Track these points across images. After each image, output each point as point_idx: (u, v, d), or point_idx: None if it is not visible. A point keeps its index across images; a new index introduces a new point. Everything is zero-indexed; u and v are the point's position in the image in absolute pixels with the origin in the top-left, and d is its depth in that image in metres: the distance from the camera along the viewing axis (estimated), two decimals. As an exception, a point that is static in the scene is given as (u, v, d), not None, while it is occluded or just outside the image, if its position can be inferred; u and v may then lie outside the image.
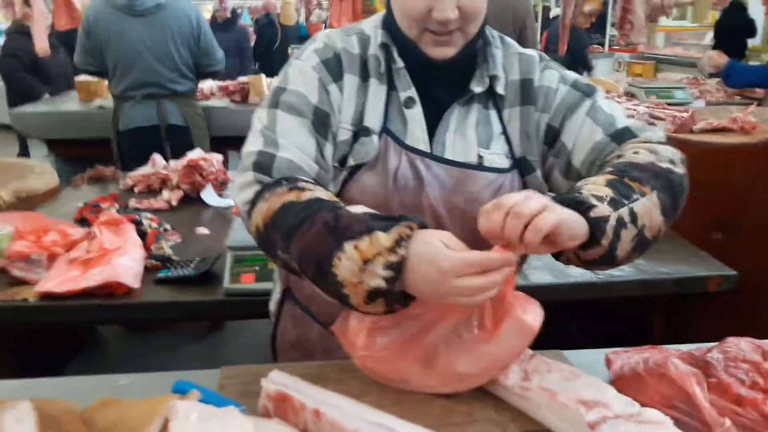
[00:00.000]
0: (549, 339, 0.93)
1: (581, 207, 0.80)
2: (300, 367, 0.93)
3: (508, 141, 1.03)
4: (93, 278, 1.45)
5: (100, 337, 2.42)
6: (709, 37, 8.08)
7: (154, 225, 1.76)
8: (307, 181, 0.89)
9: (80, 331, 2.22)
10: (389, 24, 1.00)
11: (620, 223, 0.82)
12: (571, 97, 1.02)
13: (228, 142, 3.77)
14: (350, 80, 0.99)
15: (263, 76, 3.93)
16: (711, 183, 2.04)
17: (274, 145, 0.92)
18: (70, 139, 3.52)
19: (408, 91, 1.00)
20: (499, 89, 1.02)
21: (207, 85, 4.01)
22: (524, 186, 1.02)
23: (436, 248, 0.75)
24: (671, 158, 0.93)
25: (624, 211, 0.83)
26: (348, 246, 0.76)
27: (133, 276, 1.49)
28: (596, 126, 0.99)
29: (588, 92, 1.02)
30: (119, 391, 0.88)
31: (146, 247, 1.65)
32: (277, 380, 0.81)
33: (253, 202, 0.89)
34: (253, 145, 0.95)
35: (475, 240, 0.80)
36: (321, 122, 0.96)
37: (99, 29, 2.89)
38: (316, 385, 0.82)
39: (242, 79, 4.04)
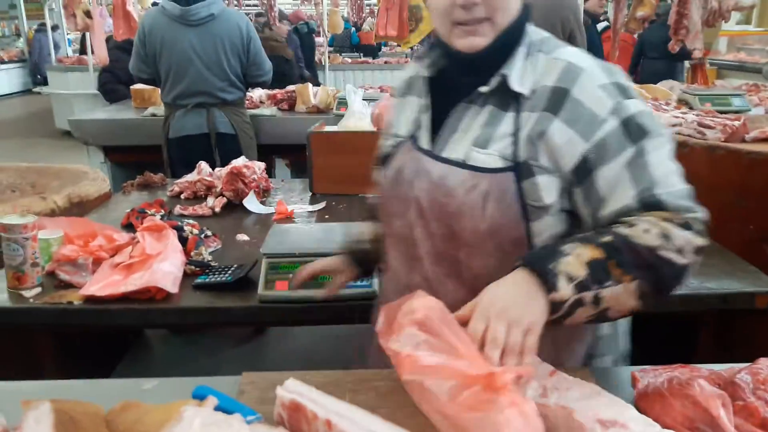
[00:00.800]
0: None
1: (545, 284, 0.85)
2: (318, 375, 0.94)
3: (516, 143, 0.98)
4: (134, 283, 1.50)
5: (147, 340, 2.50)
6: (774, 42, 7.75)
7: (195, 231, 1.81)
8: None
9: (128, 334, 2.30)
10: (437, 36, 1.08)
11: (578, 303, 0.86)
12: (616, 137, 0.93)
13: (276, 150, 3.87)
14: (394, 101, 1.21)
15: (310, 85, 4.00)
16: (761, 194, 1.96)
17: None
18: (125, 146, 3.67)
19: (427, 98, 1.10)
20: (516, 86, 0.98)
21: (256, 93, 4.12)
22: (520, 190, 0.97)
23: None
24: (681, 246, 0.88)
25: (588, 295, 0.86)
26: None
27: (172, 281, 1.53)
28: (631, 185, 0.92)
29: (638, 136, 0.93)
30: (143, 395, 0.91)
31: (186, 252, 1.70)
32: (292, 389, 0.83)
33: None
34: None
35: (451, 235, 0.94)
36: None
37: (153, 38, 3.01)
38: (333, 394, 0.83)
39: (290, 87, 4.12)
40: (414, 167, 1.06)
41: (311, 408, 0.79)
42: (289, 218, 2.19)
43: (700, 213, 0.92)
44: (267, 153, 3.55)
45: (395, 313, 0.89)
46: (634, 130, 0.93)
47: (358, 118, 2.55)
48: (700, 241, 0.90)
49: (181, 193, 2.41)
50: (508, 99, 1.00)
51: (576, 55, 1.00)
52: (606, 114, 0.94)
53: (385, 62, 8.64)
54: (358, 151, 2.44)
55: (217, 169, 2.46)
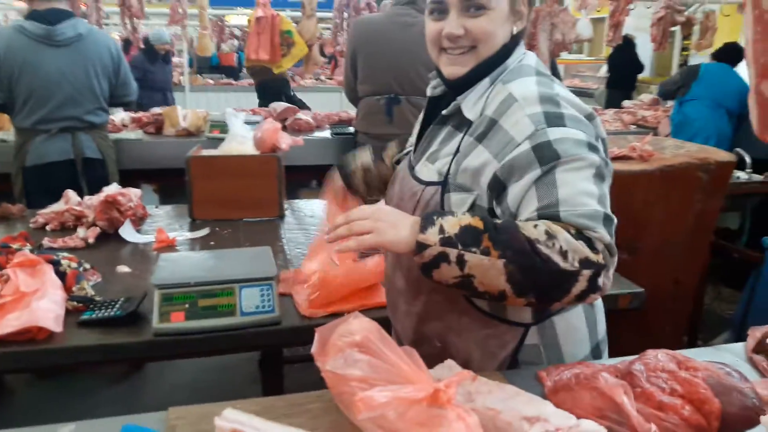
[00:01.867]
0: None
1: (420, 225, 0.94)
2: (249, 403, 0.93)
3: (451, 162, 1.10)
4: (10, 324, 1.36)
5: (5, 384, 2.25)
6: (603, 70, 8.71)
7: (74, 265, 1.68)
8: None
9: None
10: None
11: (442, 257, 0.92)
12: (525, 158, 0.97)
13: (142, 175, 3.67)
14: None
15: (179, 107, 3.86)
16: (614, 207, 2.20)
17: None
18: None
19: (422, 115, 1.28)
20: (468, 114, 1.09)
21: (118, 116, 3.90)
22: (441, 202, 1.09)
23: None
24: (566, 251, 0.88)
25: (452, 252, 0.92)
26: None
27: (54, 319, 1.41)
28: (535, 201, 0.96)
29: (549, 159, 0.96)
30: (60, 441, 0.84)
31: (66, 288, 1.58)
32: (231, 418, 0.81)
33: None
34: None
35: None
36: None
37: (10, 60, 2.72)
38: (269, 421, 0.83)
39: (156, 110, 3.95)
40: (401, 173, 1.25)
41: (252, 435, 0.78)
42: (171, 246, 2.10)
43: (603, 234, 0.92)
44: (132, 178, 3.37)
45: (329, 335, 0.90)
46: (546, 154, 0.96)
47: (239, 142, 2.52)
48: (591, 255, 0.89)
49: (46, 224, 2.22)
50: (462, 123, 1.11)
51: (522, 85, 1.06)
52: (521, 138, 0.99)
53: (249, 84, 8.55)
54: (240, 175, 2.41)
55: (86, 197, 2.30)
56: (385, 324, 1.13)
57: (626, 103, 5.33)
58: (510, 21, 1.09)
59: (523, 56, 1.13)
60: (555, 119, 0.99)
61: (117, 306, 1.52)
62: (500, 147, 1.02)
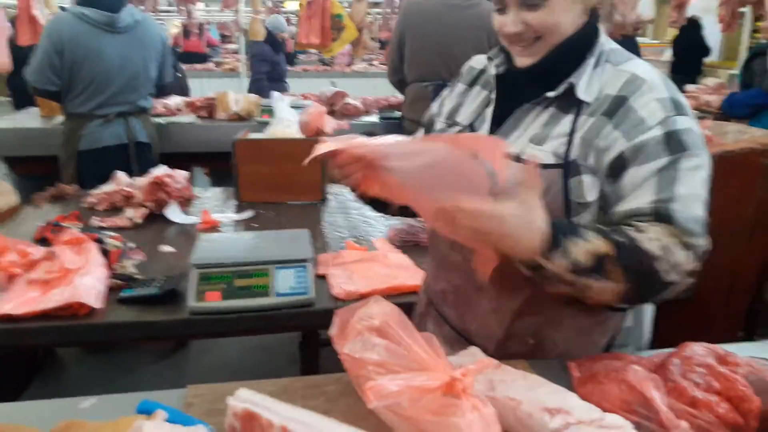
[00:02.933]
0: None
1: (549, 245, 0.86)
2: (267, 384, 0.93)
3: (570, 143, 1.02)
4: (54, 299, 1.42)
5: (59, 359, 2.35)
6: (667, 54, 8.34)
7: (117, 243, 1.73)
8: None
9: (38, 354, 2.15)
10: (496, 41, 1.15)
11: (560, 280, 0.88)
12: (655, 144, 0.96)
13: (194, 158, 3.75)
14: (459, 87, 1.25)
15: (230, 92, 3.92)
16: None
17: None
18: (31, 157, 3.44)
19: (492, 93, 1.16)
20: (582, 95, 1.03)
21: (173, 101, 3.99)
22: (566, 187, 1.02)
23: None
24: (676, 264, 0.89)
25: (577, 280, 0.88)
26: None
27: (95, 296, 1.46)
28: (653, 191, 0.94)
29: (676, 150, 0.95)
30: (82, 413, 0.87)
31: (109, 266, 1.62)
32: (244, 398, 0.81)
33: None
34: None
35: None
36: (430, 122, 1.29)
37: (75, 47, 2.80)
38: (284, 401, 0.82)
39: (209, 95, 4.02)
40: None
41: (266, 416, 0.78)
42: (215, 228, 2.14)
43: (704, 243, 0.93)
44: (186, 161, 3.45)
45: (349, 318, 0.89)
46: (674, 143, 0.95)
47: (285, 126, 2.53)
48: (693, 266, 0.91)
49: (97, 204, 2.30)
50: (570, 104, 1.04)
51: (641, 67, 1.04)
52: (654, 123, 0.97)
53: (303, 69, 8.62)
54: (285, 159, 2.42)
55: (135, 179, 2.37)
56: (408, 310, 1.12)
57: (689, 87, 5.08)
58: (577, 2, 1.03)
59: (607, 40, 1.09)
60: (681, 108, 0.99)
61: (156, 284, 1.56)
62: (631, 126, 0.98)
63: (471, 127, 1.16)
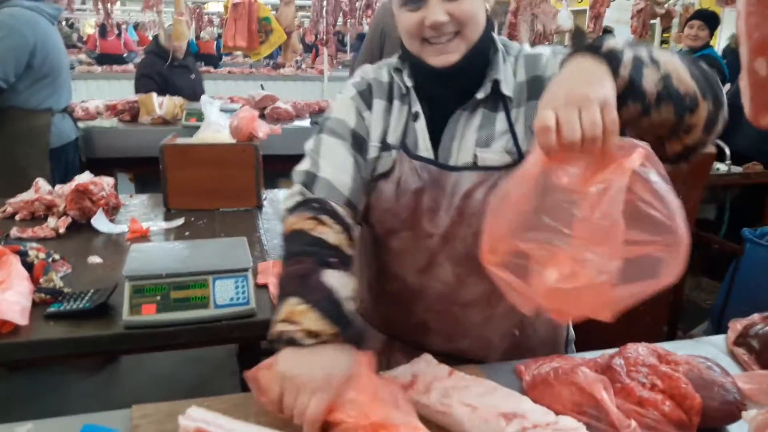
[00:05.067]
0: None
1: (594, 49, 0.83)
2: (217, 401, 0.90)
3: (515, 138, 1.05)
4: (-27, 316, 1.32)
5: (-25, 379, 2.19)
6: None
7: (42, 255, 1.63)
8: (333, 213, 1.01)
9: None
10: (404, 49, 1.09)
11: (639, 60, 0.83)
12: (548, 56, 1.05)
13: (117, 164, 3.60)
14: (378, 104, 1.13)
15: (154, 94, 3.78)
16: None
17: (316, 166, 1.09)
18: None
19: (415, 106, 1.11)
20: (505, 90, 1.05)
21: (93, 104, 3.81)
22: None
23: (326, 369, 0.83)
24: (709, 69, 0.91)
25: (642, 51, 0.84)
26: (292, 300, 0.88)
27: (20, 312, 1.36)
28: None
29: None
30: (16, 441, 0.81)
31: (34, 279, 1.52)
32: (196, 416, 0.78)
33: (290, 211, 1.06)
34: (302, 165, 1.12)
35: (475, 235, 0.93)
36: (357, 143, 1.11)
37: (43, 41, 2.84)
38: (238, 419, 0.80)
39: (131, 98, 3.87)
40: (417, 177, 1.07)
41: (219, 434, 0.75)
42: (144, 237, 2.05)
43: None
44: (107, 167, 3.30)
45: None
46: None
47: (215, 130, 2.46)
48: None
49: (15, 214, 2.16)
50: (496, 101, 1.06)
51: (527, 48, 1.11)
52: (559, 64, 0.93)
53: (229, 72, 8.43)
54: (216, 164, 2.36)
55: (57, 186, 2.24)
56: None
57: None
58: (484, 2, 1.06)
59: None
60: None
61: (86, 298, 1.47)
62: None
63: (404, 147, 1.10)
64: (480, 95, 1.06)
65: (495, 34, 1.11)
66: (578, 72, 0.82)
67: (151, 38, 6.73)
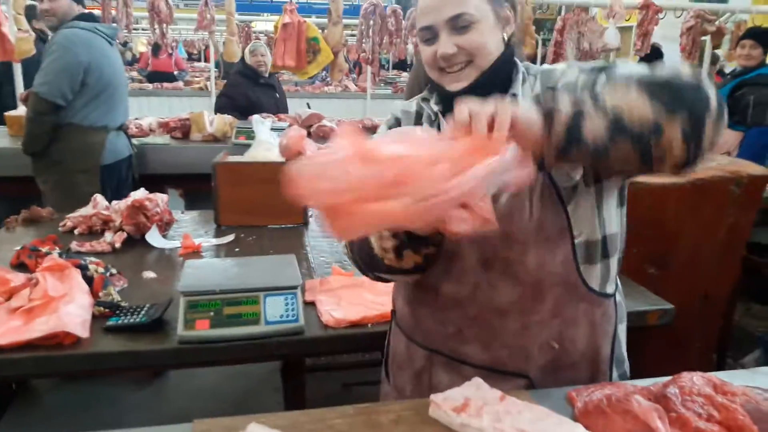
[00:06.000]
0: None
1: (540, 99, 0.88)
2: (274, 417, 0.92)
3: None
4: (38, 328, 1.38)
5: (33, 389, 2.27)
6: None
7: (101, 270, 1.69)
8: None
9: (12, 384, 2.07)
10: (429, 79, 1.18)
11: (579, 114, 0.85)
12: (573, 74, 1.01)
13: (168, 180, 3.71)
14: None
15: (205, 112, 3.89)
16: (646, 220, 2.17)
17: None
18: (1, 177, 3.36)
19: (443, 127, 1.17)
20: None
21: (146, 121, 3.95)
22: (551, 178, 1.07)
23: None
24: (686, 73, 0.88)
25: (585, 102, 0.85)
26: None
27: (81, 325, 1.42)
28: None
29: (600, 68, 0.96)
30: (84, 451, 0.84)
31: (93, 293, 1.59)
32: (255, 433, 0.80)
33: None
34: None
35: (503, 237, 1.04)
36: None
37: (99, 60, 2.97)
38: (293, 436, 0.82)
39: (183, 115, 3.99)
40: None
41: (277, 452, 0.77)
42: (196, 253, 2.11)
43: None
44: (158, 183, 3.41)
45: None
46: (593, 68, 0.98)
47: (265, 149, 2.53)
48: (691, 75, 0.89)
49: (74, 228, 2.25)
50: None
51: (546, 65, 1.16)
52: (572, 74, 1.02)
53: (274, 90, 8.61)
54: (266, 182, 2.41)
55: (113, 202, 2.33)
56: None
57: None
58: (498, 28, 1.11)
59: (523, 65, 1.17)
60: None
61: (142, 312, 1.53)
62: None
63: None
64: None
65: (518, 62, 1.16)
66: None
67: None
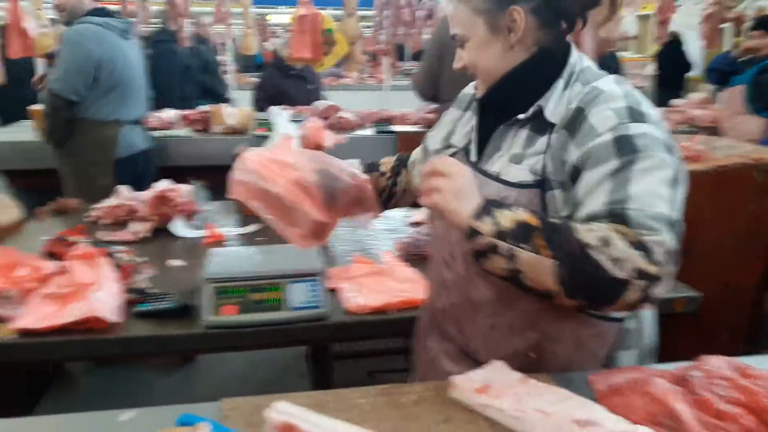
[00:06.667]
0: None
1: (477, 212, 0.96)
2: (300, 397, 0.95)
3: (544, 161, 1.06)
4: (72, 314, 1.42)
5: (69, 374, 2.34)
6: (650, 68, 8.51)
7: (129, 258, 1.74)
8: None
9: (48, 369, 2.14)
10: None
11: (493, 248, 0.94)
12: (605, 148, 0.97)
13: (190, 172, 3.75)
14: (452, 112, 1.33)
15: (225, 105, 3.93)
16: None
17: None
18: (28, 170, 3.42)
19: (476, 117, 1.23)
20: (549, 117, 1.07)
21: (166, 114, 4.00)
22: (543, 202, 1.05)
23: None
24: (618, 258, 0.86)
25: (503, 246, 0.93)
26: None
27: (112, 310, 1.47)
28: (605, 194, 0.94)
29: (627, 152, 0.95)
30: (121, 427, 0.88)
31: (122, 280, 1.63)
32: (283, 410, 0.83)
33: None
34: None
35: None
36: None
37: (109, 54, 2.96)
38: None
39: (203, 108, 4.03)
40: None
41: (306, 428, 0.80)
42: (220, 242, 2.15)
43: (667, 240, 0.88)
44: (180, 174, 3.45)
45: None
46: (625, 146, 0.95)
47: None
48: (645, 266, 0.86)
49: (99, 218, 2.30)
50: (543, 125, 1.08)
51: (605, 82, 1.06)
52: (604, 129, 0.98)
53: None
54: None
55: (138, 192, 2.37)
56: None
57: (676, 101, 5.19)
58: (496, 39, 1.09)
59: (580, 59, 1.12)
60: (638, 115, 0.99)
61: (170, 298, 1.57)
62: (583, 135, 1.01)
63: (465, 150, 1.22)
64: (521, 116, 1.11)
65: (574, 59, 1.11)
66: (466, 190, 0.99)
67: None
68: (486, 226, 0.93)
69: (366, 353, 2.68)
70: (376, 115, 4.49)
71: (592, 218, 0.94)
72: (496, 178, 1.10)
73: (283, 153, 1.18)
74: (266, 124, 3.56)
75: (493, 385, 0.95)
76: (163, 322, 1.50)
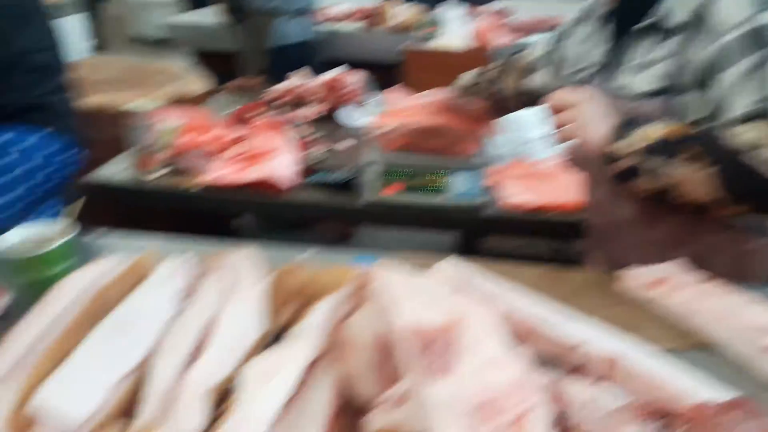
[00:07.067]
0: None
1: (616, 132, 0.94)
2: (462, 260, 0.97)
3: (670, 66, 0.99)
4: (251, 175, 1.56)
5: (237, 231, 2.59)
6: None
7: (306, 132, 1.85)
8: None
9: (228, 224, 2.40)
10: None
11: (633, 169, 0.93)
12: (740, 43, 0.89)
13: (356, 66, 3.83)
14: (580, 32, 1.23)
15: (391, 3, 3.90)
16: None
17: None
18: (214, 52, 3.69)
19: (605, 29, 1.14)
20: (672, 19, 0.99)
21: (336, 8, 4.06)
22: (675, 109, 0.99)
23: None
24: None
25: (646, 165, 0.91)
26: None
27: (286, 177, 1.58)
28: (750, 92, 0.88)
29: (766, 45, 0.88)
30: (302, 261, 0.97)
31: (299, 151, 1.74)
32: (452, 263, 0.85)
33: None
34: None
35: None
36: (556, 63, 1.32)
37: None
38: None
39: (373, 4, 4.04)
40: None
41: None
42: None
43: None
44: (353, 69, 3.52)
45: None
46: (764, 38, 0.88)
47: (454, 37, 2.51)
48: None
49: (275, 99, 2.44)
50: (667, 29, 1.00)
51: None
52: (735, 23, 0.90)
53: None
54: (454, 69, 2.41)
55: (312, 78, 2.47)
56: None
57: None
58: None
59: None
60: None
61: (340, 173, 1.65)
62: (712, 33, 0.92)
63: (592, 68, 1.14)
64: (644, 23, 1.03)
65: None
66: (597, 116, 0.98)
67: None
68: (623, 148, 0.93)
69: (514, 254, 2.66)
70: (548, 22, 4.24)
71: (740, 120, 0.89)
72: (625, 92, 1.04)
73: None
74: (435, 23, 3.53)
75: (669, 282, 0.92)
76: (332, 193, 1.59)
